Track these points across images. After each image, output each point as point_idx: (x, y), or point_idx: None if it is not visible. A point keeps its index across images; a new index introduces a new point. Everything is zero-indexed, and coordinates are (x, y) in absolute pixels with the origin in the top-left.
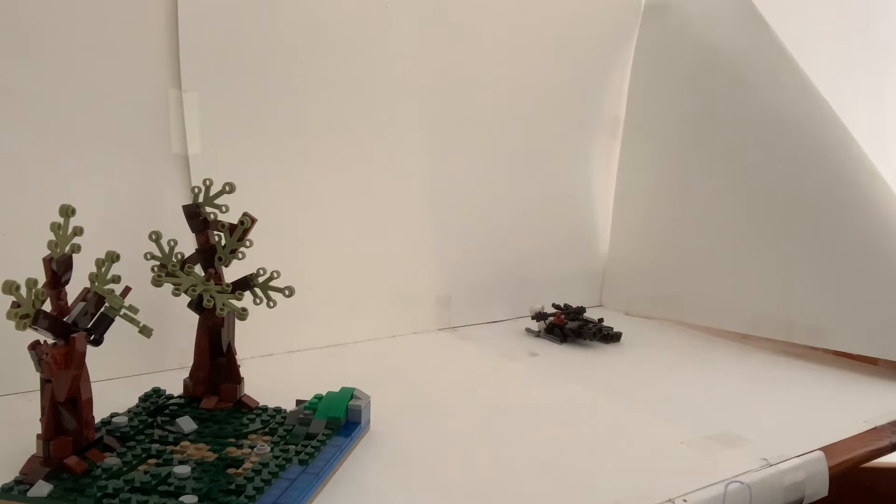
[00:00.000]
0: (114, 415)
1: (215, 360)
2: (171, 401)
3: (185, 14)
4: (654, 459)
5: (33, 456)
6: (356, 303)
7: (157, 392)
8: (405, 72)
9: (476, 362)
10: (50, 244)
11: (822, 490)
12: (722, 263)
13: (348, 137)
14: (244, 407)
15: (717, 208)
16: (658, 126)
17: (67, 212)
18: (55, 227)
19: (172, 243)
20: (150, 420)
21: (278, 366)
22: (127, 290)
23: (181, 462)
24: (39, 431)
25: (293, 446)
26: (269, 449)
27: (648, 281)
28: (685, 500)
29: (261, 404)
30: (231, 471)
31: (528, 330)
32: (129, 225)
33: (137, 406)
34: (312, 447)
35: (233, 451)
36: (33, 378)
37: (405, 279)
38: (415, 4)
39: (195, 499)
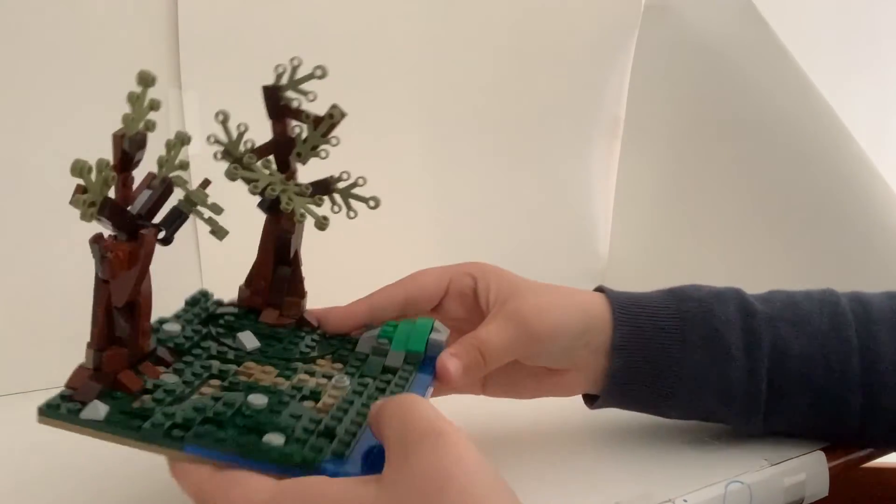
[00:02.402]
0: (162, 321)
1: (278, 268)
2: (224, 309)
3: (185, 14)
4: (654, 459)
5: (81, 366)
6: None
7: (204, 296)
8: (405, 72)
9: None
10: (125, 118)
11: (823, 490)
12: (722, 263)
13: (348, 137)
14: (306, 325)
15: (717, 208)
16: (658, 126)
17: (147, 80)
18: (133, 98)
19: (242, 128)
20: (203, 330)
21: None
22: (206, 182)
23: (250, 388)
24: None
25: (372, 380)
26: (347, 382)
27: (649, 281)
28: (685, 500)
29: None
30: (309, 405)
31: None
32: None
33: (186, 312)
34: (397, 385)
35: (306, 380)
36: (33, 378)
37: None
38: (415, 4)
39: (282, 439)
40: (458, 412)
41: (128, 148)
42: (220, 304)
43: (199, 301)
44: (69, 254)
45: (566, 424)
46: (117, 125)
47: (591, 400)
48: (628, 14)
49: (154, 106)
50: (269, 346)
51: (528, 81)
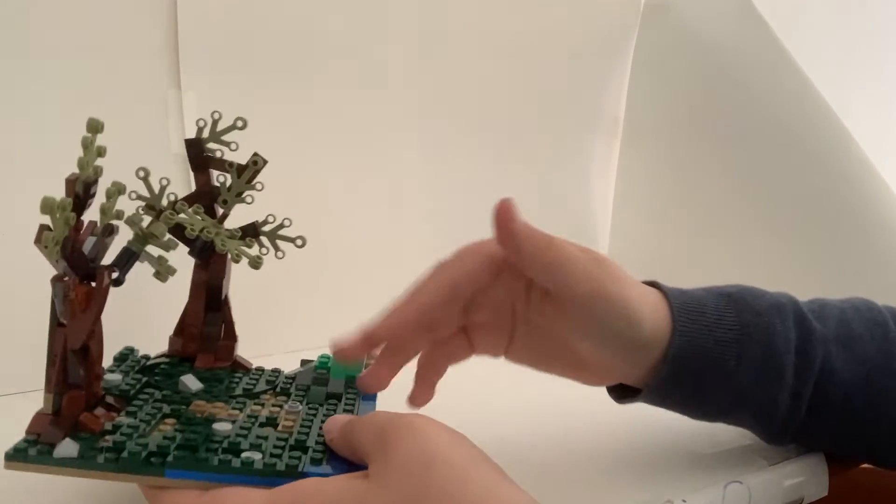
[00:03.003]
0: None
1: (209, 315)
2: (156, 360)
3: (184, 14)
4: (654, 459)
5: (39, 413)
6: (355, 303)
7: (131, 352)
8: (404, 71)
9: (475, 362)
10: (80, 161)
11: (822, 490)
12: (721, 262)
13: (348, 137)
14: (240, 368)
15: (716, 207)
16: (657, 126)
17: (97, 127)
18: (87, 142)
19: (164, 182)
20: (143, 379)
21: (277, 366)
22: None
23: (208, 420)
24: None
25: (320, 406)
26: (300, 407)
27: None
28: (684, 501)
29: (255, 365)
30: (269, 430)
31: None
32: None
33: (118, 365)
34: (346, 408)
35: (259, 410)
36: (33, 378)
37: (404, 279)
38: (415, 4)
39: (259, 455)
40: (458, 412)
41: (81, 191)
42: (148, 357)
43: (128, 356)
44: None
45: (565, 426)
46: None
47: (621, 396)
48: (628, 14)
49: (101, 153)
50: (212, 386)
51: (528, 81)
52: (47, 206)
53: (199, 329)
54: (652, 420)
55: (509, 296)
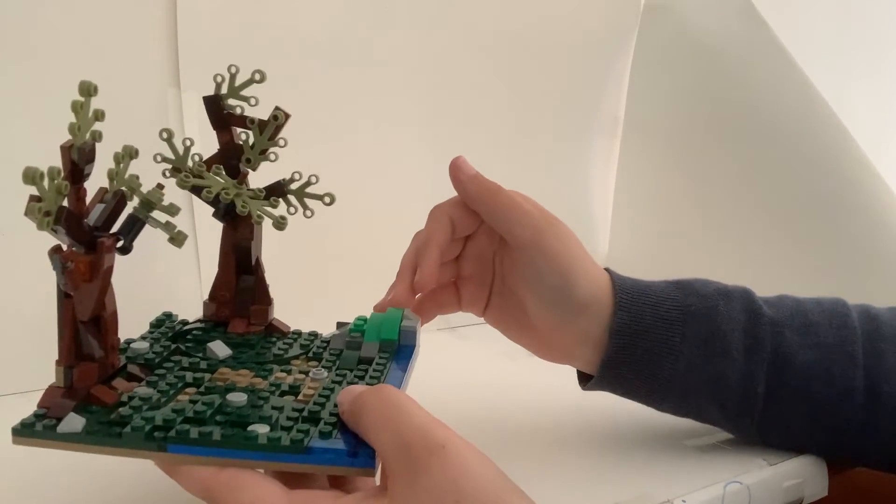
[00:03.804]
0: (129, 341)
1: (241, 278)
2: (190, 325)
3: (184, 14)
4: (654, 459)
5: (51, 386)
6: (355, 303)
7: (168, 317)
8: (405, 72)
9: (475, 362)
10: (71, 127)
11: (822, 491)
12: (721, 262)
13: (348, 137)
14: (276, 331)
15: (716, 207)
16: (658, 126)
17: (89, 89)
18: (76, 107)
19: (188, 142)
20: (173, 346)
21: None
22: (159, 186)
23: (227, 389)
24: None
25: (349, 372)
26: (325, 374)
27: (648, 279)
28: (684, 501)
29: (293, 329)
30: (289, 399)
31: None
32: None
33: (152, 332)
34: (375, 371)
35: (283, 378)
36: (33, 378)
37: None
38: (414, 4)
39: (267, 428)
40: (457, 412)
41: (76, 159)
42: (185, 322)
43: (164, 322)
44: None
45: (565, 425)
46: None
47: (585, 380)
48: (628, 14)
49: (99, 116)
50: (241, 353)
51: (528, 81)
52: (28, 175)
53: (232, 293)
54: (652, 420)
55: (490, 245)
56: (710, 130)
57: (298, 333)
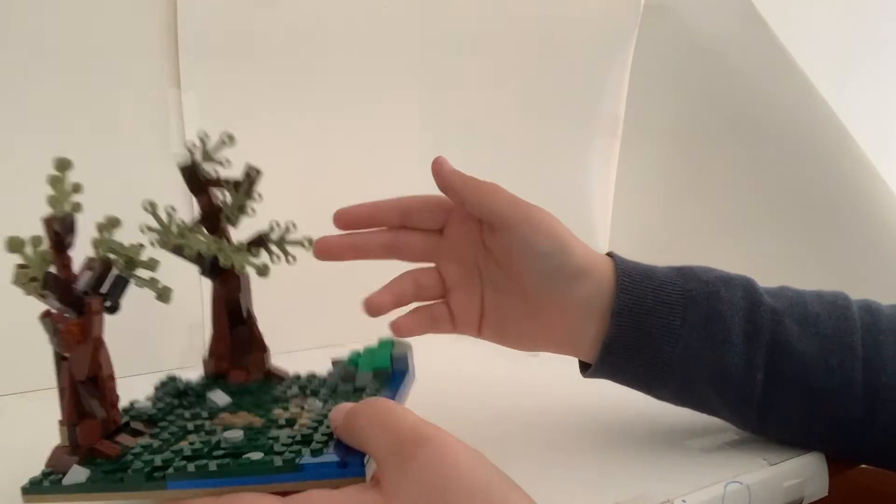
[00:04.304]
0: (134, 402)
1: (235, 330)
2: (193, 383)
3: (184, 14)
4: (654, 459)
5: (57, 447)
6: (355, 303)
7: (172, 379)
8: (404, 72)
9: (475, 363)
10: (50, 199)
11: (822, 490)
12: (722, 263)
13: (348, 137)
14: (274, 377)
15: (716, 207)
16: (658, 126)
17: (64, 165)
18: (54, 181)
19: (170, 209)
20: (175, 402)
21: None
22: (139, 245)
23: (226, 429)
24: (45, 431)
25: (344, 400)
26: (320, 404)
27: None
28: (684, 501)
29: (292, 373)
30: (286, 431)
31: None
32: (128, 225)
33: (157, 393)
34: (369, 395)
35: (281, 414)
36: (33, 378)
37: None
38: (414, 4)
39: (261, 454)
40: (458, 412)
41: (59, 229)
42: (188, 383)
43: (168, 383)
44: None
45: (565, 425)
46: (117, 125)
47: (585, 367)
48: (628, 14)
49: (77, 189)
50: (241, 399)
51: (528, 81)
52: (14, 244)
53: (228, 345)
54: (652, 420)
55: (469, 246)
56: (710, 130)
57: (297, 377)
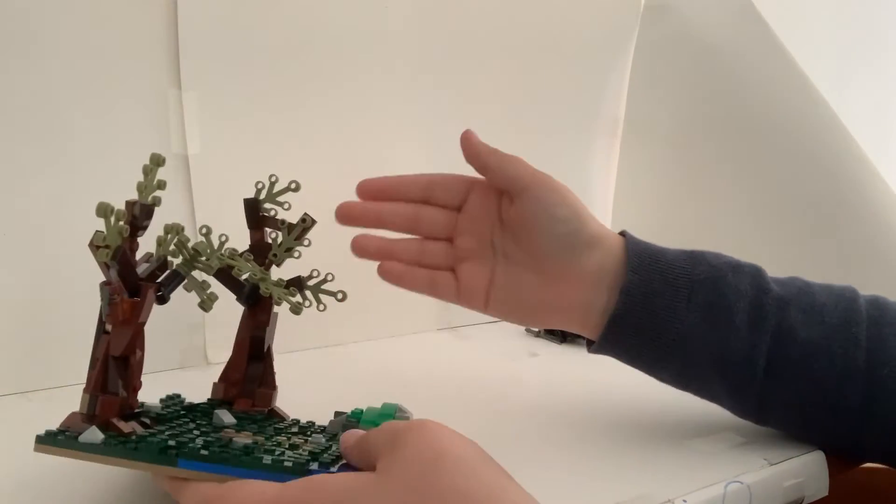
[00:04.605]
0: (143, 403)
1: (252, 363)
2: (200, 403)
3: (184, 14)
4: (654, 459)
5: (74, 413)
6: (355, 303)
7: (178, 396)
8: (404, 72)
9: (476, 363)
10: (138, 185)
11: (823, 490)
12: None
13: (348, 138)
14: (276, 416)
15: (716, 207)
16: (658, 126)
17: (158, 161)
18: (147, 170)
19: (223, 238)
20: (182, 412)
21: (278, 366)
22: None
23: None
24: (42, 432)
25: None
26: (323, 439)
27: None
28: (685, 501)
29: (291, 418)
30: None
31: (528, 330)
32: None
33: (164, 403)
34: None
35: (283, 441)
36: (33, 378)
37: None
38: (414, 4)
39: (271, 456)
40: (458, 412)
41: (137, 214)
42: (191, 403)
43: (174, 399)
44: (69, 255)
45: (565, 424)
46: (117, 125)
47: (591, 343)
48: (628, 14)
49: (161, 186)
50: (244, 423)
51: (528, 81)
52: (101, 209)
53: (242, 377)
54: (654, 419)
55: (486, 219)
56: (710, 130)
57: (296, 421)
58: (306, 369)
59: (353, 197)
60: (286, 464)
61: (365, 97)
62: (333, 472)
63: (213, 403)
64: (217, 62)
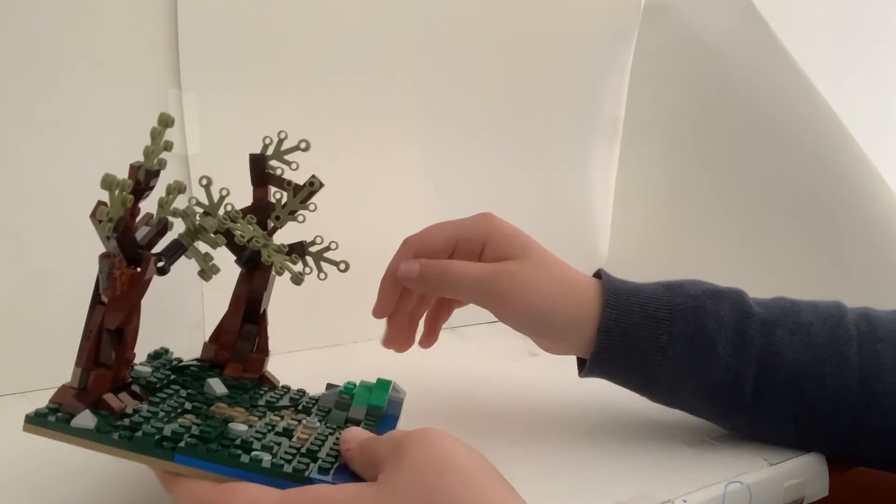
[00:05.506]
0: (133, 366)
1: (245, 325)
2: (188, 362)
3: (184, 14)
4: (654, 459)
5: (65, 386)
6: (355, 303)
7: (165, 352)
8: (405, 73)
9: (476, 363)
10: (145, 149)
11: (823, 490)
12: (721, 263)
13: (348, 137)
14: (267, 383)
15: (716, 208)
16: (658, 126)
17: (167, 121)
18: (154, 133)
19: (224, 192)
20: (171, 376)
21: (278, 366)
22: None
23: (226, 420)
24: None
25: (337, 429)
26: (318, 423)
27: (648, 280)
28: (685, 501)
29: (281, 384)
30: (285, 440)
31: None
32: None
33: (150, 362)
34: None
35: (277, 421)
36: (33, 378)
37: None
38: (414, 5)
39: (269, 456)
40: (457, 411)
41: (141, 179)
42: (180, 360)
43: (161, 355)
44: (68, 255)
45: (565, 425)
46: (116, 125)
47: (581, 366)
48: (628, 14)
49: (168, 147)
50: (236, 393)
51: (528, 82)
52: (107, 182)
53: (234, 339)
54: (652, 420)
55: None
56: (710, 130)
57: (287, 388)
58: (306, 369)
59: (352, 198)
60: (285, 469)
61: (365, 97)
62: (332, 483)
63: (202, 366)
64: (217, 62)
